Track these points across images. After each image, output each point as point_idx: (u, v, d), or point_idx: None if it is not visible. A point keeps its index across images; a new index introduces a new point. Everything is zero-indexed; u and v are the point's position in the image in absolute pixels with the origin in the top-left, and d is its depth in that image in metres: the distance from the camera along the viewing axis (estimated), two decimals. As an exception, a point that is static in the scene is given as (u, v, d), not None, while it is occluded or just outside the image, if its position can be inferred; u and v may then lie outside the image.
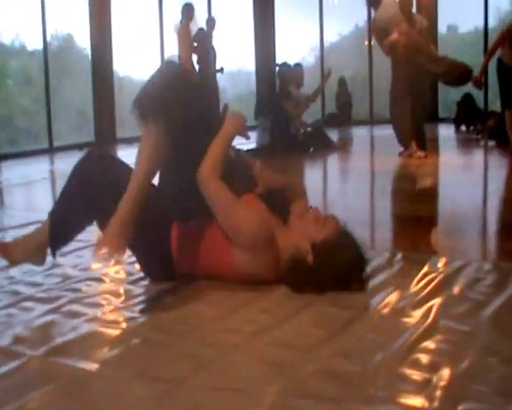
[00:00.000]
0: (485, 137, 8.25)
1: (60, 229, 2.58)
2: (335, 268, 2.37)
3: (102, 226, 2.52)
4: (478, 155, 7.65)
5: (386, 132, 10.73)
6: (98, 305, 2.42)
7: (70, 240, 2.68)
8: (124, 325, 2.21)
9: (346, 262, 2.39)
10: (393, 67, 7.09)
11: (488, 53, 7.29)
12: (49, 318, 2.30)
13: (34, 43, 11.50)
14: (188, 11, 9.89)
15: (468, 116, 9.97)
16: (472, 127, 9.83)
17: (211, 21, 10.53)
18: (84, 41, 12.20)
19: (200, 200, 2.45)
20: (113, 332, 2.13)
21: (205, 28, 10.36)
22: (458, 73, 6.67)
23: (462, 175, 6.04)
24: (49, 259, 2.66)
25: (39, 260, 2.64)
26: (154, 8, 12.08)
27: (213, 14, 12.76)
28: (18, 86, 12.07)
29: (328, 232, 2.42)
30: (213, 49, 10.35)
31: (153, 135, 2.38)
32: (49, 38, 11.14)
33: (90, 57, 11.80)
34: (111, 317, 2.28)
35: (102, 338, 2.09)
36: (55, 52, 11.85)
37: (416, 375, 1.73)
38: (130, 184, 2.35)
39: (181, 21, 9.85)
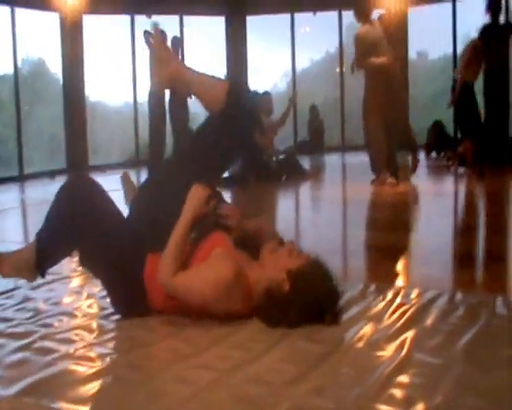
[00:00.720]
0: (456, 163, 8.35)
1: (45, 251, 2.61)
2: (311, 296, 2.37)
3: (82, 254, 2.60)
4: (449, 183, 7.72)
5: (358, 159, 10.87)
6: (70, 341, 2.39)
7: (57, 261, 2.72)
8: (97, 362, 2.17)
9: (322, 290, 2.39)
10: (369, 91, 7.12)
11: (464, 65, 7.41)
12: (20, 355, 2.26)
13: (4, 68, 11.45)
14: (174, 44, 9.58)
15: (439, 143, 10.10)
16: (443, 154, 9.95)
17: (176, 42, 10.04)
18: (55, 66, 12.18)
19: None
20: (86, 370, 2.10)
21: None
22: None
23: (433, 203, 6.09)
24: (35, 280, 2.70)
25: (29, 276, 2.67)
26: (126, 33, 12.14)
27: (185, 39, 12.82)
28: (-12, 111, 11.98)
29: (303, 261, 2.44)
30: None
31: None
32: (19, 63, 11.09)
33: (61, 82, 11.76)
34: (84, 354, 2.25)
35: (75, 376, 2.06)
36: (26, 77, 11.81)
37: (390, 412, 1.73)
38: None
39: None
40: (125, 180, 3.26)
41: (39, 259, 2.60)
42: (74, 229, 2.55)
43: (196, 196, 2.50)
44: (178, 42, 10.08)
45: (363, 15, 7.23)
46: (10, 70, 10.98)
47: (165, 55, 2.76)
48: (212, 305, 2.38)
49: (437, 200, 6.35)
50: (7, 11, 10.61)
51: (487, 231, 4.60)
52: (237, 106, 2.67)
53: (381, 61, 6.83)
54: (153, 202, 2.66)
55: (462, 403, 1.77)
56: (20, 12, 10.81)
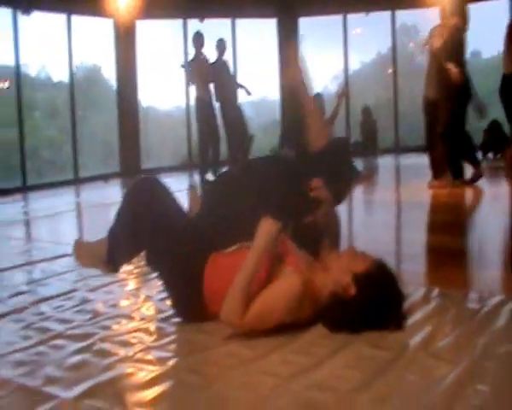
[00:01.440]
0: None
1: (115, 247, 2.67)
2: (377, 299, 2.31)
3: (149, 252, 2.62)
4: (505, 184, 7.50)
5: (412, 161, 10.72)
6: (129, 344, 2.38)
7: (128, 258, 2.79)
8: (156, 365, 2.15)
9: (387, 293, 2.33)
10: (449, 95, 6.70)
11: (505, 57, 6.70)
12: (80, 357, 2.26)
13: (60, 75, 11.65)
14: (197, 40, 9.62)
15: (496, 143, 9.85)
16: (499, 154, 9.70)
17: (220, 45, 10.00)
18: (109, 72, 12.34)
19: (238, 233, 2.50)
20: (146, 374, 2.07)
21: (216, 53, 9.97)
22: None
23: (491, 205, 5.93)
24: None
25: (104, 269, 2.75)
26: (178, 38, 12.19)
27: (238, 42, 12.84)
28: (44, 118, 12.20)
29: (369, 264, 2.38)
30: (232, 76, 10.11)
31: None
32: (74, 70, 11.26)
33: (115, 88, 11.90)
34: (143, 357, 2.23)
35: (135, 380, 2.04)
36: (80, 83, 11.98)
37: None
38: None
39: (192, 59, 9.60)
40: (192, 195, 3.26)
41: (110, 255, 2.67)
42: (142, 226, 2.57)
43: (266, 230, 2.39)
44: (222, 44, 9.98)
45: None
46: (65, 77, 11.16)
47: None
48: (284, 319, 2.33)
49: (494, 202, 6.18)
50: (63, 18, 10.78)
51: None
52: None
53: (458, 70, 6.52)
54: (222, 201, 2.65)
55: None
56: (76, 19, 10.97)
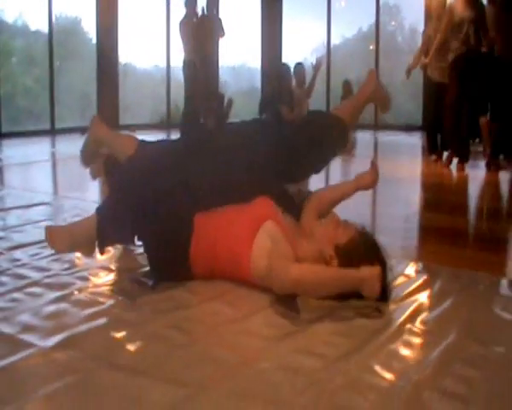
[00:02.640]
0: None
1: (107, 228, 2.51)
2: None
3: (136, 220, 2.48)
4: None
5: (390, 138, 10.74)
6: (108, 296, 2.32)
7: (118, 240, 2.68)
8: (137, 320, 2.08)
9: (371, 264, 2.28)
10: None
11: None
12: (57, 306, 2.20)
13: (38, 24, 11.37)
14: (190, 2, 9.31)
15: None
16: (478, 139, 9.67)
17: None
18: (89, 25, 12.08)
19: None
20: (128, 328, 2.02)
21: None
22: None
23: (471, 186, 5.93)
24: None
25: (86, 251, 2.59)
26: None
27: (221, 8, 12.63)
28: (21, 66, 11.93)
29: (351, 235, 2.34)
30: (222, 29, 9.46)
31: None
32: (53, 19, 11.01)
33: (94, 41, 11.68)
34: (124, 312, 2.17)
35: (116, 334, 1.98)
36: (59, 34, 11.71)
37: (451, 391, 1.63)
38: None
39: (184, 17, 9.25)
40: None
41: (101, 236, 2.50)
42: (131, 188, 2.51)
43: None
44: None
45: None
46: (43, 26, 10.90)
47: None
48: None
49: (472, 184, 6.17)
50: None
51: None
52: None
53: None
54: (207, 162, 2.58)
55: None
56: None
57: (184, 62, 9.14)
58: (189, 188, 2.54)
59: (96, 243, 2.51)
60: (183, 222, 2.45)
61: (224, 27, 9.30)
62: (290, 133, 2.84)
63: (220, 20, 9.35)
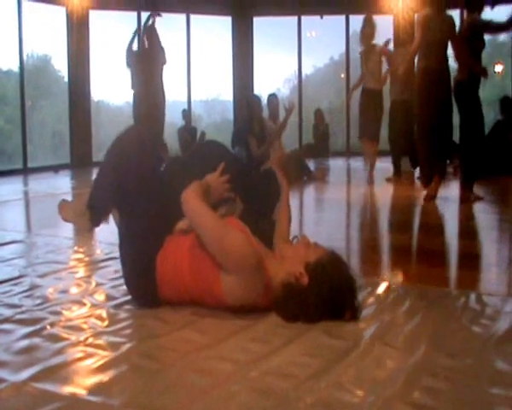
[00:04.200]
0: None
1: (97, 199, 2.65)
2: (331, 289, 2.29)
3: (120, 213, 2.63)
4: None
5: (362, 164, 10.83)
6: (81, 329, 2.32)
7: (107, 213, 2.74)
8: (109, 350, 2.09)
9: (341, 283, 2.32)
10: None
11: None
12: (29, 341, 2.19)
13: (9, 63, 11.39)
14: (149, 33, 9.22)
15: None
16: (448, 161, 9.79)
17: (149, 29, 9.33)
18: (60, 63, 12.11)
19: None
20: (98, 358, 2.02)
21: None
22: None
23: (442, 207, 6.01)
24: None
25: (84, 225, 2.70)
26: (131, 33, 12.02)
27: (192, 41, 12.75)
28: (-7, 106, 11.93)
29: (321, 254, 2.37)
30: (162, 50, 9.26)
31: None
32: (24, 58, 11.03)
33: (66, 79, 11.70)
34: (95, 342, 2.18)
35: (86, 365, 1.98)
36: (30, 72, 11.74)
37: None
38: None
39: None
40: None
41: (91, 203, 2.64)
42: (118, 184, 2.57)
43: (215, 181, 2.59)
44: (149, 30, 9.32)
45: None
46: (15, 65, 10.93)
47: None
48: (225, 267, 2.30)
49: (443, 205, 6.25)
50: (13, 3, 10.54)
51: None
52: None
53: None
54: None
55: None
56: (27, 5, 10.74)
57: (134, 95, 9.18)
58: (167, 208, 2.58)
59: (89, 212, 2.64)
60: (153, 235, 2.50)
61: (166, 56, 9.25)
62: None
63: (162, 48, 9.34)
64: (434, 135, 5.99)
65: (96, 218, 2.70)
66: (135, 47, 9.29)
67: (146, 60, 9.01)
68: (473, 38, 6.06)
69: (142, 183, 2.56)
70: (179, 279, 2.43)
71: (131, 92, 9.29)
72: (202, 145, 3.07)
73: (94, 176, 2.71)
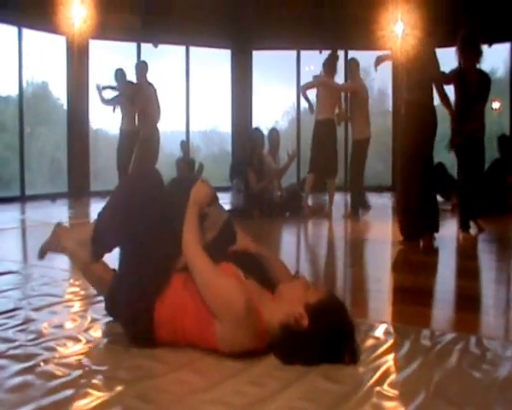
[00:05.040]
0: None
1: (102, 234, 2.61)
2: (331, 332, 2.27)
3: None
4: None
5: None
6: (75, 367, 2.28)
7: (112, 247, 2.68)
8: (103, 391, 2.05)
9: (341, 325, 2.29)
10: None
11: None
12: (22, 378, 2.15)
13: (8, 89, 11.43)
14: (141, 70, 9.42)
15: (443, 186, 9.85)
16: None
17: (139, 66, 9.60)
18: (59, 90, 12.15)
19: None
20: (92, 399, 1.98)
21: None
22: None
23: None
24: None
25: (86, 255, 2.68)
26: (131, 62, 12.09)
27: (191, 73, 12.82)
28: (-9, 133, 11.95)
29: (321, 295, 2.34)
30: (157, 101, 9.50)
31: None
32: (24, 85, 11.07)
33: (65, 107, 11.73)
34: (89, 382, 2.13)
35: (80, 405, 1.94)
36: (29, 99, 11.78)
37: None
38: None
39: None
40: None
41: (95, 241, 2.61)
42: (125, 222, 2.53)
43: (202, 191, 2.55)
44: (142, 66, 9.56)
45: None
46: (14, 92, 10.96)
47: None
48: (215, 317, 2.28)
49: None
50: (14, 31, 10.60)
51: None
52: None
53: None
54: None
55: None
56: (28, 33, 10.80)
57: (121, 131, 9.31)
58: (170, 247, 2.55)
59: (92, 246, 2.61)
60: (156, 278, 2.46)
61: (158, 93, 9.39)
62: None
63: (151, 84, 9.41)
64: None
65: (99, 252, 2.67)
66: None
67: (138, 95, 9.14)
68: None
69: (150, 225, 2.52)
70: (177, 322, 2.39)
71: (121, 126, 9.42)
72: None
73: (94, 208, 2.71)
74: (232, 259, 2.57)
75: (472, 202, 6.18)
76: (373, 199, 10.85)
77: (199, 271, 2.35)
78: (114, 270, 2.81)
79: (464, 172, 6.17)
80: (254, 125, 9.01)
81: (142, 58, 12.17)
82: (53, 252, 2.95)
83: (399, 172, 5.95)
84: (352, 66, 8.67)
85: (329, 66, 8.38)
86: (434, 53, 5.79)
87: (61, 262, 4.35)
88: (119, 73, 9.70)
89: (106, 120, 13.59)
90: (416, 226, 5.62)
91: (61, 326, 2.80)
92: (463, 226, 6.11)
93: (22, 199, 10.20)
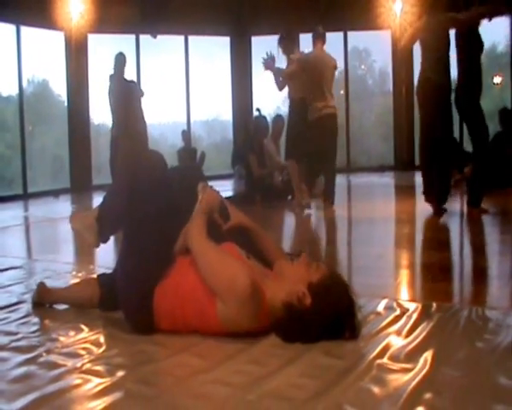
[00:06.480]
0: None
1: (106, 217, 2.69)
2: (334, 309, 2.27)
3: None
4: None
5: (363, 180, 10.86)
6: (77, 355, 2.29)
7: (117, 229, 2.76)
8: (106, 377, 2.06)
9: (343, 303, 2.30)
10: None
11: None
12: (25, 369, 2.16)
13: (9, 89, 11.43)
14: (119, 62, 9.23)
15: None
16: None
17: (119, 59, 9.27)
18: (59, 87, 12.14)
19: None
20: (95, 385, 1.99)
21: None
22: None
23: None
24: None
25: (92, 239, 2.74)
26: (131, 55, 12.08)
27: (191, 62, 12.79)
28: (-8, 132, 11.97)
29: (323, 274, 2.35)
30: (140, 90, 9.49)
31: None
32: (24, 84, 11.06)
33: (65, 104, 11.73)
34: (91, 368, 2.15)
35: (83, 391, 1.95)
36: (30, 98, 11.78)
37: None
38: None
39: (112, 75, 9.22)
40: None
41: (100, 220, 2.68)
42: (129, 203, 2.57)
43: (211, 198, 2.55)
44: (121, 59, 9.29)
45: None
46: (14, 91, 10.96)
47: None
48: (218, 300, 2.28)
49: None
50: (12, 29, 10.59)
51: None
52: None
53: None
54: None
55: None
56: (26, 31, 10.79)
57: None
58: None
59: (97, 228, 2.69)
60: (157, 263, 2.47)
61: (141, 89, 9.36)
62: None
63: (134, 82, 9.39)
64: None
65: (104, 233, 2.71)
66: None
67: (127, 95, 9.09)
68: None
69: (152, 207, 2.53)
70: (177, 307, 2.40)
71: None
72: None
73: (97, 201, 2.74)
74: (228, 236, 2.57)
75: (484, 175, 6.07)
76: (375, 179, 10.89)
77: (203, 253, 2.36)
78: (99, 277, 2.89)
79: (473, 142, 6.06)
80: (257, 112, 8.91)
81: (142, 50, 12.19)
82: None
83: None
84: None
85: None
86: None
87: (65, 255, 4.39)
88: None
89: (107, 115, 13.63)
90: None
91: (63, 317, 2.81)
92: (475, 202, 5.99)
93: (25, 197, 10.22)
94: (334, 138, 7.23)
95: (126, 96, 9.02)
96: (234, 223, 2.66)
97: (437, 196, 5.93)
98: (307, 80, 7.19)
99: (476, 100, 5.90)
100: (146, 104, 9.41)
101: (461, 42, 5.98)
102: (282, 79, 7.23)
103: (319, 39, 7.58)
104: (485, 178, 6.08)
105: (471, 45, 5.94)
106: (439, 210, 5.86)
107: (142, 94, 9.29)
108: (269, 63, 7.10)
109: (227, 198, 2.82)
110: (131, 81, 9.35)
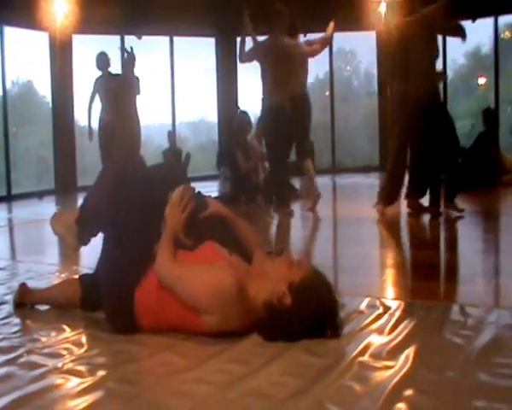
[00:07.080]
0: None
1: (86, 218, 2.69)
2: (314, 309, 2.27)
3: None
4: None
5: (348, 181, 10.91)
6: (58, 355, 2.28)
7: (97, 231, 2.73)
8: (87, 376, 2.05)
9: (324, 302, 2.30)
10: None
11: None
12: (5, 369, 2.15)
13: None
14: (102, 63, 9.27)
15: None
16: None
17: (129, 58, 9.05)
18: (44, 88, 12.06)
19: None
20: (76, 384, 1.98)
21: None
22: None
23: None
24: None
25: (73, 241, 2.75)
26: (115, 55, 12.01)
27: (176, 63, 12.76)
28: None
29: (305, 274, 2.34)
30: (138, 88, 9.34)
31: None
32: (8, 85, 10.98)
33: (50, 105, 11.66)
34: (73, 368, 2.14)
35: (64, 391, 1.95)
36: (14, 99, 11.70)
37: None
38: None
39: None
40: None
41: (80, 221, 2.69)
42: (109, 205, 2.58)
43: (174, 220, 2.50)
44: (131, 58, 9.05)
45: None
46: (-2, 92, 10.89)
47: None
48: (203, 312, 2.27)
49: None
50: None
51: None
52: None
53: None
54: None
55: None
56: (10, 31, 10.72)
57: (100, 120, 9.23)
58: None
59: (77, 230, 2.69)
60: (137, 264, 2.46)
61: (140, 86, 9.24)
62: None
63: (137, 78, 9.30)
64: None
65: (83, 235, 2.69)
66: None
67: (123, 86, 9.05)
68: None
69: (133, 207, 2.53)
70: (159, 307, 2.39)
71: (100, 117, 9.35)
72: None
73: (82, 197, 2.73)
74: (206, 225, 2.57)
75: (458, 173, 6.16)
76: (360, 179, 10.94)
77: (177, 277, 2.33)
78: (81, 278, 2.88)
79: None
80: (238, 109, 8.91)
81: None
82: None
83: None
84: None
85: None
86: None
87: (49, 257, 4.37)
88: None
89: (93, 116, 13.57)
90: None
91: (44, 318, 2.80)
92: (450, 199, 6.02)
93: (9, 198, 10.15)
94: (283, 132, 6.99)
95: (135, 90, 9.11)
96: (211, 211, 2.64)
97: (431, 198, 5.91)
98: (267, 67, 7.04)
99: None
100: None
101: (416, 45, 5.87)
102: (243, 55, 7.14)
103: (277, 21, 7.11)
104: (458, 177, 6.20)
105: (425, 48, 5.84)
106: (437, 211, 5.84)
107: (138, 92, 9.26)
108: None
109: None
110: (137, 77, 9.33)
